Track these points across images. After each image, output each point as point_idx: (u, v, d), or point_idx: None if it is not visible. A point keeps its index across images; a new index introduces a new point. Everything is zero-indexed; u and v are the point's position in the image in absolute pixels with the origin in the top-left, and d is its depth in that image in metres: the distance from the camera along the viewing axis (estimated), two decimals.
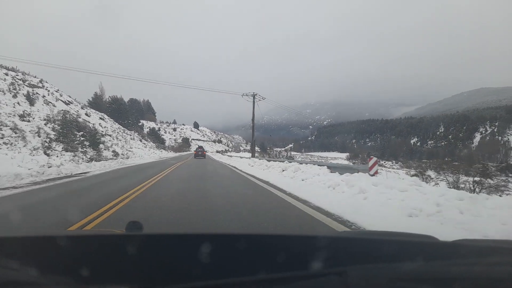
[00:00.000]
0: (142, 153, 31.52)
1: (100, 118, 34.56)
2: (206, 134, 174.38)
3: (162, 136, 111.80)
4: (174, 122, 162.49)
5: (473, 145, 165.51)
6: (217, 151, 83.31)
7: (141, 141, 40.72)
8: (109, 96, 55.67)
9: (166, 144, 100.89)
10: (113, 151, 23.15)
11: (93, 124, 28.55)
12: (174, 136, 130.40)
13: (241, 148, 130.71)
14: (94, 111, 37.08)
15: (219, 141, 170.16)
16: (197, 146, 42.95)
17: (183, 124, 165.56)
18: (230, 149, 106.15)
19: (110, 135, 29.23)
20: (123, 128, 40.32)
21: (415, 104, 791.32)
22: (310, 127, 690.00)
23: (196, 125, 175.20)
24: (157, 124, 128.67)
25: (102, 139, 24.57)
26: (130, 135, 38.62)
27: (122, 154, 23.80)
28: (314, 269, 0.79)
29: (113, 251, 0.98)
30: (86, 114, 31.01)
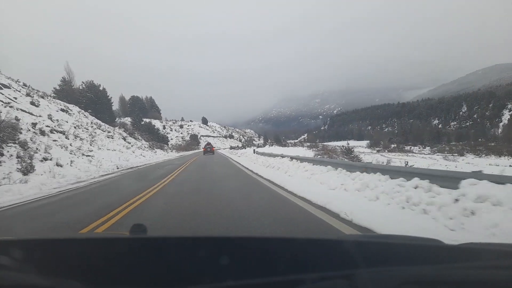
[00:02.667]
0: (115, 157, 21.17)
1: (63, 110, 24.58)
2: (216, 130, 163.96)
3: (167, 134, 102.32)
4: (182, 120, 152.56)
5: (502, 123, 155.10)
6: (232, 147, 71.69)
7: (125, 139, 30.29)
8: (83, 82, 44.51)
9: (173, 142, 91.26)
10: (29, 161, 12.27)
11: (38, 116, 18.37)
12: (181, 133, 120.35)
13: (255, 143, 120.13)
14: (57, 101, 27.26)
15: (231, 136, 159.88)
16: (206, 143, 46.87)
17: (190, 121, 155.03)
18: (245, 144, 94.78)
19: (63, 132, 18.96)
20: (99, 123, 30.01)
21: (427, 86, 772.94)
22: (320, 116, 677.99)
23: (204, 121, 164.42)
24: (161, 122, 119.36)
25: (38, 138, 13.98)
26: (109, 132, 28.39)
27: (58, 165, 13.11)
28: (321, 272, 0.80)
29: (117, 254, 0.98)
30: (32, 103, 20.96)
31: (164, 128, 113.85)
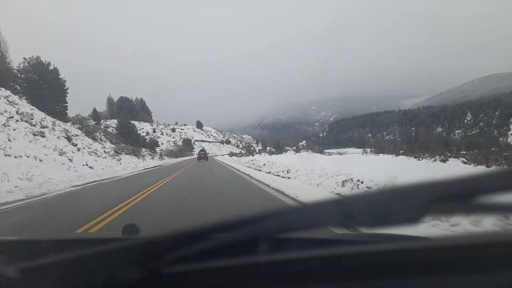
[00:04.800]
0: None
1: None
2: (211, 135, 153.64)
3: (157, 138, 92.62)
4: (176, 124, 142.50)
5: (510, 132, 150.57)
6: (232, 154, 61.00)
7: (69, 140, 20.52)
8: (25, 59, 32.81)
9: (164, 147, 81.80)
10: None
11: None
12: (173, 137, 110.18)
13: (253, 149, 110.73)
14: None
15: (228, 142, 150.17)
16: (200, 149, 45.64)
17: (184, 125, 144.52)
18: (249, 150, 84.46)
19: None
20: (32, 113, 20.18)
21: (424, 95, 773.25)
22: (317, 124, 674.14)
23: (199, 125, 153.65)
24: (152, 125, 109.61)
25: None
26: (44, 127, 19.61)
27: None
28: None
29: (109, 255, 0.93)
30: None
31: (154, 131, 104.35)
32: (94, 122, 72.94)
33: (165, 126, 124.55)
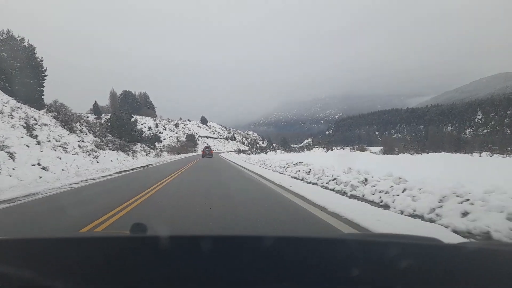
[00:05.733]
0: None
1: None
2: (216, 131, 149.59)
3: (159, 134, 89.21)
4: (180, 119, 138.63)
5: None
6: (240, 151, 57.08)
7: (30, 130, 17.03)
8: None
9: (166, 143, 78.19)
10: None
11: None
12: (176, 133, 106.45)
13: (265, 146, 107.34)
14: None
15: (233, 138, 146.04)
16: (205, 146, 46.77)
17: (188, 120, 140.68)
18: (253, 148, 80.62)
19: None
20: None
21: (430, 94, 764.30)
22: (322, 121, 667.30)
23: (204, 121, 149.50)
24: (154, 120, 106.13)
25: None
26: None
27: None
28: (319, 273, 0.79)
29: (118, 253, 0.97)
30: None
31: (157, 126, 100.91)
32: (94, 116, 69.79)
33: (168, 121, 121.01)
